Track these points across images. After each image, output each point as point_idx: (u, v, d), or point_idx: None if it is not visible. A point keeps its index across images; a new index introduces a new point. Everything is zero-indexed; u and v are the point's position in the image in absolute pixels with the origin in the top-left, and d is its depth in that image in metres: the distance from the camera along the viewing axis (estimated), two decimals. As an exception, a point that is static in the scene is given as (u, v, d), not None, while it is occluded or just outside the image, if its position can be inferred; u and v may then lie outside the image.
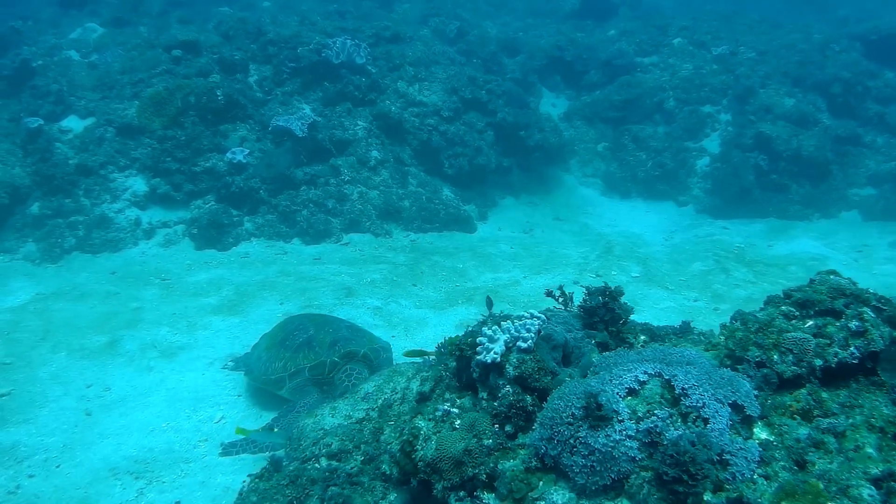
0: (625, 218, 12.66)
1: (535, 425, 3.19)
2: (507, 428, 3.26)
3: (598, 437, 2.96)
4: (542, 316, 3.45)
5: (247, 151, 10.44)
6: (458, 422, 3.33)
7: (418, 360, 5.16)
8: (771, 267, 9.94)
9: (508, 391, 3.29)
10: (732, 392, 3.13)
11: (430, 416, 3.45)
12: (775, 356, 3.40)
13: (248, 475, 4.38)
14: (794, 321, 3.57)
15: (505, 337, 3.34)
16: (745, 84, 14.29)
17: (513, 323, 3.39)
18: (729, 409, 3.08)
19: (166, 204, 10.29)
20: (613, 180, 13.73)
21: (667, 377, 3.14)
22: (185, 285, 8.77)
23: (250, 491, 3.96)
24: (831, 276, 3.78)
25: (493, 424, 3.26)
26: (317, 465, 4.19)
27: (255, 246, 10.12)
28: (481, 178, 12.41)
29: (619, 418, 2.99)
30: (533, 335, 3.32)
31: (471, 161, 12.04)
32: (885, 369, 3.35)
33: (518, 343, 3.33)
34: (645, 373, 3.15)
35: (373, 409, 4.80)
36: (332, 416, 4.89)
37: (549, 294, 3.97)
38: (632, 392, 3.11)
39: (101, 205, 10.03)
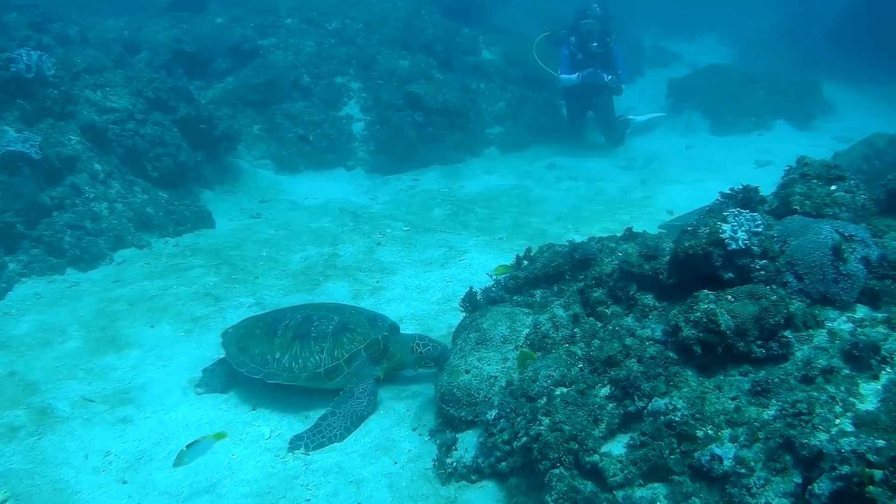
0: (316, 190, 13.20)
1: (792, 278, 4.55)
2: (774, 286, 4.53)
3: (849, 267, 4.47)
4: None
5: (-12, 187, 8.62)
6: (730, 296, 4.46)
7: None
8: (490, 200, 12.03)
9: (765, 262, 4.57)
10: (862, 231, 4.92)
11: (707, 301, 4.48)
12: (837, 210, 5.31)
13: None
14: (825, 188, 5.52)
15: (746, 227, 4.56)
16: (367, 52, 15.87)
17: (740, 216, 4.62)
18: (872, 240, 4.88)
19: None
20: (281, 158, 14.16)
21: (835, 228, 4.77)
22: (20, 340, 7.42)
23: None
24: (810, 158, 5.83)
25: (767, 287, 4.49)
26: (558, 391, 4.76)
27: (37, 285, 8.72)
28: (182, 176, 12.12)
29: (846, 255, 4.53)
30: (761, 221, 4.62)
31: (175, 160, 11.81)
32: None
33: (753, 229, 4.59)
34: (830, 228, 4.73)
35: (522, 347, 5.39)
36: (489, 365, 5.35)
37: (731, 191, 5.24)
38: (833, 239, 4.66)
39: None
